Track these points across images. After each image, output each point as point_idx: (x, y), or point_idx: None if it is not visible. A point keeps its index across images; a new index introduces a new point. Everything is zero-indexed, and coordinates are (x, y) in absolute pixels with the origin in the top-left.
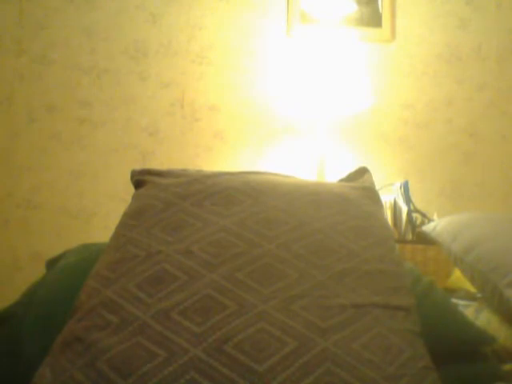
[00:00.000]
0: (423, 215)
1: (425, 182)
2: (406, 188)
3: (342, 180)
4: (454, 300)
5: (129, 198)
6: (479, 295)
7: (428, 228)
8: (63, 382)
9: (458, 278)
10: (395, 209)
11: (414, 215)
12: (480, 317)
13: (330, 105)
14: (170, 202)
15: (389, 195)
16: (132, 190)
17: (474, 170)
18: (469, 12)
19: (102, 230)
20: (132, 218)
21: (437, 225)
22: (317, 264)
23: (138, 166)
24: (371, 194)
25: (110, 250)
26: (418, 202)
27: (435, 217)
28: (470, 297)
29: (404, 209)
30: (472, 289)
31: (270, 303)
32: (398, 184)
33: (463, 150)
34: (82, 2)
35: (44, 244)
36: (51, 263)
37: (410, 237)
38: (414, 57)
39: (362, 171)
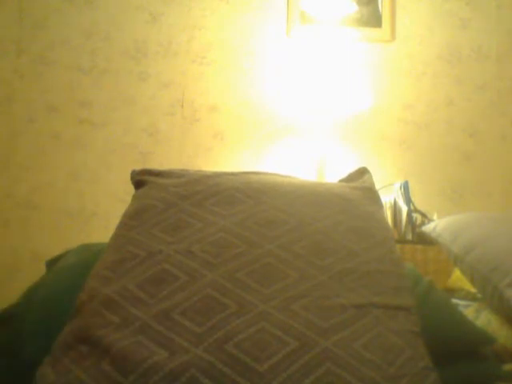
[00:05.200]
0: (423, 215)
1: (425, 182)
2: (406, 188)
3: (341, 180)
4: (454, 300)
5: (129, 198)
6: (479, 295)
7: (428, 228)
8: (67, 382)
9: (458, 278)
10: (395, 209)
11: (414, 215)
12: (480, 317)
13: (330, 105)
14: (171, 203)
15: (389, 195)
16: (132, 190)
17: (474, 170)
18: (469, 12)
19: (101, 229)
20: (132, 218)
21: (437, 225)
22: (317, 264)
23: (138, 166)
24: (371, 195)
25: (110, 250)
26: (418, 202)
27: (435, 217)
28: (471, 297)
29: (404, 209)
30: (472, 289)
31: (270, 303)
32: (397, 184)
33: (463, 150)
34: (81, 2)
35: (44, 244)
36: (51, 263)
37: (410, 237)
38: (414, 57)
39: (362, 171)
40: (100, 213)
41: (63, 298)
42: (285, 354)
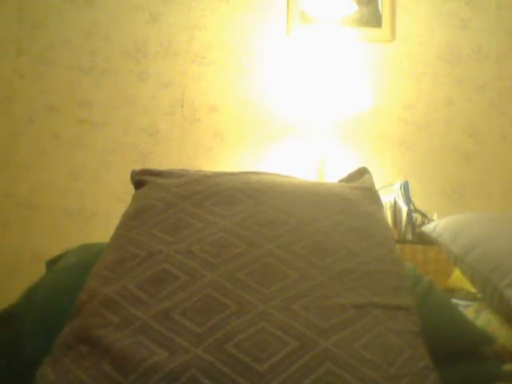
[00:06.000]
0: (423, 215)
1: (425, 182)
2: (406, 188)
3: (341, 180)
4: (454, 300)
5: (129, 198)
6: (479, 295)
7: (428, 228)
8: (67, 382)
9: (458, 278)
10: (395, 209)
11: (414, 215)
12: (480, 317)
13: (330, 105)
14: (171, 203)
15: (389, 195)
16: (132, 190)
17: (474, 170)
18: (469, 12)
19: (101, 229)
20: (132, 218)
21: (437, 225)
22: (317, 264)
23: (138, 167)
24: (371, 195)
25: (110, 250)
26: (418, 202)
27: (435, 217)
28: (471, 297)
29: (404, 209)
30: (472, 289)
31: (270, 303)
32: (397, 184)
33: (463, 150)
34: (82, 2)
35: (44, 244)
36: (51, 263)
37: (410, 237)
38: (414, 57)
39: (362, 171)
40: (100, 213)
41: (63, 298)
42: (285, 354)
